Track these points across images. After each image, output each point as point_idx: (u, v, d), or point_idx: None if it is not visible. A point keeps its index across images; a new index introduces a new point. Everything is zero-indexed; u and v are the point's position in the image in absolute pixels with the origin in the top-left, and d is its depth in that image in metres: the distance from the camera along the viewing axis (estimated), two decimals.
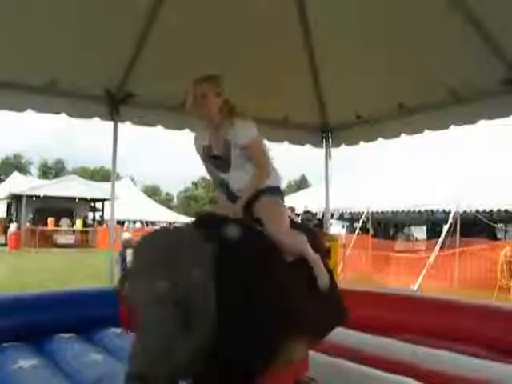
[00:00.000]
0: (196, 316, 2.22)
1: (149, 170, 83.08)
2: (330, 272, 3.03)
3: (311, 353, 3.13)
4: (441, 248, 13.25)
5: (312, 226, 8.20)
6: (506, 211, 13.60)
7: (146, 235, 2.47)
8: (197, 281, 2.23)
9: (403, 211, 16.44)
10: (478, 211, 13.70)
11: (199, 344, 2.22)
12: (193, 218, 2.83)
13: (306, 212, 8.75)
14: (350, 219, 22.11)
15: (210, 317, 2.26)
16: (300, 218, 8.81)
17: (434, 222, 18.86)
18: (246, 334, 2.39)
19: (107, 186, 29.59)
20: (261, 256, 2.61)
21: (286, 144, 6.54)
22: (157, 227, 39.26)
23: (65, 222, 31.95)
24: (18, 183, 36.09)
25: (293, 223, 3.04)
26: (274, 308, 2.50)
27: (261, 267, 2.56)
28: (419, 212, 15.85)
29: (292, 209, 10.91)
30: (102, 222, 35.45)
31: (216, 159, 2.91)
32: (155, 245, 2.36)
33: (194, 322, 2.21)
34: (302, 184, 64.44)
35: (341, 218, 20.85)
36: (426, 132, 5.49)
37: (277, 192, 2.97)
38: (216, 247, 2.32)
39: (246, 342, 2.38)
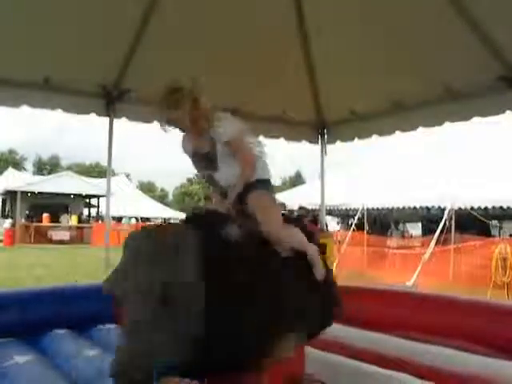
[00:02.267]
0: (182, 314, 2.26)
1: (144, 167, 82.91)
2: (330, 271, 3.02)
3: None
4: (436, 244, 13.30)
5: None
6: (500, 208, 13.65)
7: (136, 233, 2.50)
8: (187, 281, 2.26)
9: (398, 208, 16.48)
10: (472, 208, 13.74)
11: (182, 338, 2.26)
12: (187, 215, 2.82)
13: (301, 208, 8.76)
14: (344, 216, 22.13)
15: (198, 315, 2.28)
16: (294, 214, 8.82)
17: (429, 219, 18.92)
18: (242, 332, 2.41)
19: (102, 182, 29.55)
20: (259, 254, 2.61)
21: (282, 140, 6.56)
22: (150, 223, 39.27)
23: (64, 218, 31.91)
24: (12, 179, 35.98)
25: (286, 218, 3.04)
26: (274, 307, 2.51)
27: (260, 266, 2.56)
28: (414, 208, 15.89)
29: (283, 205, 10.92)
30: (98, 218, 35.42)
31: (203, 158, 2.89)
32: (145, 244, 2.38)
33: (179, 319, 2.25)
34: (297, 180, 64.50)
35: (336, 214, 20.88)
36: (421, 129, 5.51)
37: (266, 185, 2.93)
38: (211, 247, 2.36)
39: (239, 340, 2.40)
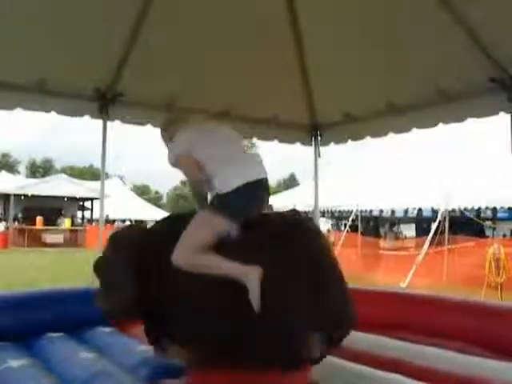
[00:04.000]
0: None
1: (138, 169, 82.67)
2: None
3: None
4: (430, 245, 13.33)
5: None
6: (494, 209, 13.71)
7: None
8: None
9: (392, 209, 16.52)
10: (466, 209, 13.79)
11: None
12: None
13: (293, 210, 8.69)
14: (337, 218, 22.17)
15: None
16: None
17: (422, 220, 18.98)
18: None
19: (96, 185, 29.48)
20: None
21: (275, 142, 6.56)
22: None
23: (61, 220, 31.78)
24: (5, 182, 35.76)
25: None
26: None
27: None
28: (408, 210, 15.92)
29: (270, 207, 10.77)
30: (91, 220, 35.29)
31: None
32: None
33: None
34: (290, 182, 64.51)
35: (328, 215, 20.90)
36: (414, 130, 5.53)
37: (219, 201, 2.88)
38: None
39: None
